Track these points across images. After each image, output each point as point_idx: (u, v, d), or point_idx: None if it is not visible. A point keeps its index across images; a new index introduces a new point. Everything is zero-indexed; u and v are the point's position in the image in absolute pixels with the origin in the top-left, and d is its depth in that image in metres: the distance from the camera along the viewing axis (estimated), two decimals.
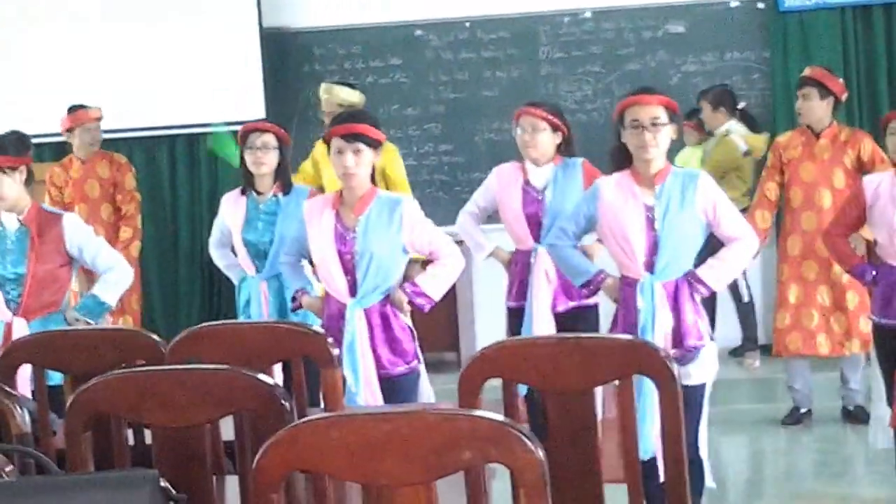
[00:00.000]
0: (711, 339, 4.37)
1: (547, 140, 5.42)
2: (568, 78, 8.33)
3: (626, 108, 4.32)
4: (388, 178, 6.59)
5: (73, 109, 7.21)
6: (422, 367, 4.54)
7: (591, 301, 5.28)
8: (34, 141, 6.81)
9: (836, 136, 6.39)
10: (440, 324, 7.50)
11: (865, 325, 6.39)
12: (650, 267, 4.31)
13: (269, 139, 5.30)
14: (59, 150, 8.25)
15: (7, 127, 6.07)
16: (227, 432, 3.09)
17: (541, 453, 1.97)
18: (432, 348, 7.27)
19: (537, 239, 5.40)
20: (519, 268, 5.53)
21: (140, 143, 7.75)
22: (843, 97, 6.45)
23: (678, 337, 4.28)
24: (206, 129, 7.73)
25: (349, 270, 4.42)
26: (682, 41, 8.21)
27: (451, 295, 7.70)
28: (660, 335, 4.20)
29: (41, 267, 4.65)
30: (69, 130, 7.21)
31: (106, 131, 7.46)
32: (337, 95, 6.94)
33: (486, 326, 7.67)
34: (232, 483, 3.03)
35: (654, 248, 4.30)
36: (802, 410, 6.63)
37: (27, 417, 2.66)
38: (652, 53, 8.23)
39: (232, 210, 5.39)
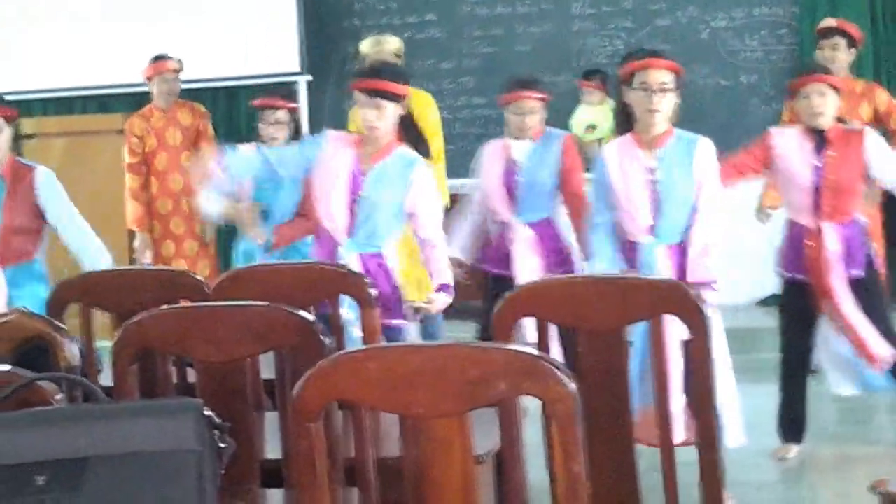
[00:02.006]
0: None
1: (540, 119, 5.48)
2: (599, 33, 8.35)
3: (636, 70, 4.41)
4: (421, 124, 6.63)
5: (155, 59, 7.30)
6: (411, 329, 4.55)
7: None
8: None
9: (853, 90, 6.43)
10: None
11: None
12: (653, 230, 4.42)
13: (282, 115, 5.59)
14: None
15: None
16: (266, 372, 3.19)
17: (573, 386, 2.02)
18: (463, 296, 7.31)
19: (515, 212, 5.43)
20: (498, 236, 5.53)
21: (180, 97, 7.82)
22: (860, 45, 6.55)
23: None
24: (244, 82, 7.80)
25: (352, 210, 4.48)
26: None
27: None
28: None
29: (12, 217, 4.71)
30: (149, 79, 7.30)
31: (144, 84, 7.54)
32: (386, 46, 6.97)
33: None
34: (271, 419, 3.12)
35: (656, 210, 4.42)
36: None
37: (76, 350, 2.75)
38: (682, 9, 8.23)
39: None
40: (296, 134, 5.61)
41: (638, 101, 4.40)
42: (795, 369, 5.21)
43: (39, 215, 4.76)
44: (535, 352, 2.07)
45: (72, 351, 2.74)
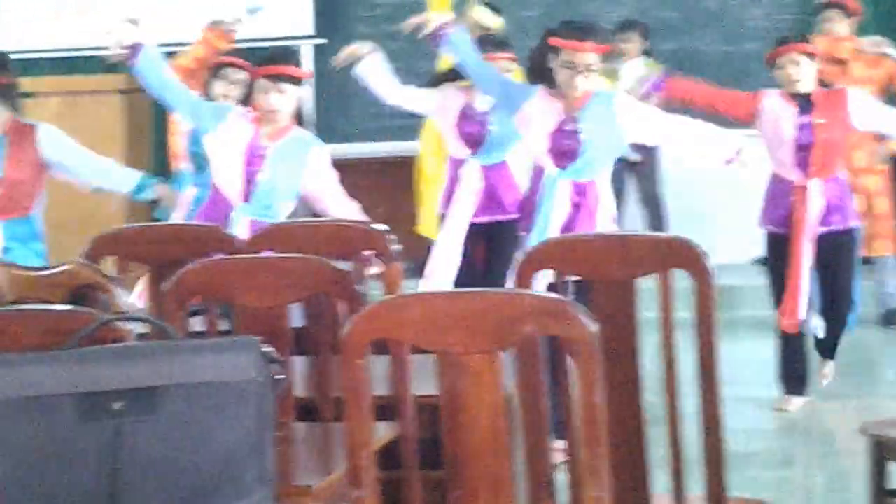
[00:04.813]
0: None
1: None
2: None
3: (562, 48, 4.75)
4: None
5: None
6: None
7: None
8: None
9: (862, 55, 6.65)
10: None
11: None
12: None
13: (242, 76, 5.49)
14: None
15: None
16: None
17: (594, 327, 2.25)
18: None
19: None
20: None
21: None
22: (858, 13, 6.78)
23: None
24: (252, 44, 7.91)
25: (250, 181, 4.60)
26: None
27: None
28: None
29: (12, 171, 4.84)
30: None
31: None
32: (473, 17, 6.87)
33: None
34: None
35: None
36: None
37: (127, 298, 2.97)
38: None
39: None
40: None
41: (560, 75, 4.82)
42: None
43: (41, 172, 4.92)
44: (560, 297, 2.31)
45: (124, 298, 2.97)
